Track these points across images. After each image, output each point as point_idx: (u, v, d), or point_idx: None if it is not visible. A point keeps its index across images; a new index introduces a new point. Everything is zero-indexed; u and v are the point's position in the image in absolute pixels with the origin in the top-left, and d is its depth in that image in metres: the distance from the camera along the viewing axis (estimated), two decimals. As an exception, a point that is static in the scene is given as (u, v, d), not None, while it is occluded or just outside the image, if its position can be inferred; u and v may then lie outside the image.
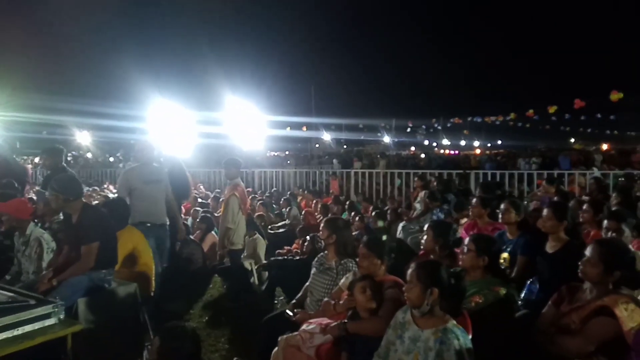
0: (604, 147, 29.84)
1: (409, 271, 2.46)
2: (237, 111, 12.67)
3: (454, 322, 2.33)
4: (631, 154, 19.67)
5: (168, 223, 5.04)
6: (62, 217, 3.91)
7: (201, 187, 11.34)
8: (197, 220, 6.87)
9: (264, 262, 5.92)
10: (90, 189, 10.44)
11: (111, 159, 24.46)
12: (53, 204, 3.52)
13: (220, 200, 9.22)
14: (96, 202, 7.84)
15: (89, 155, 25.36)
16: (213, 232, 6.47)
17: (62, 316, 2.69)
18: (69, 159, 22.15)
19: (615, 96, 15.85)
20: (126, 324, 3.53)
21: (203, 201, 8.81)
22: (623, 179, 8.36)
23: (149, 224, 4.72)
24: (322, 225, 3.78)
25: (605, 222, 3.81)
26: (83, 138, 23.61)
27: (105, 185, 12.33)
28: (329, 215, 7.36)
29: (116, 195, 5.71)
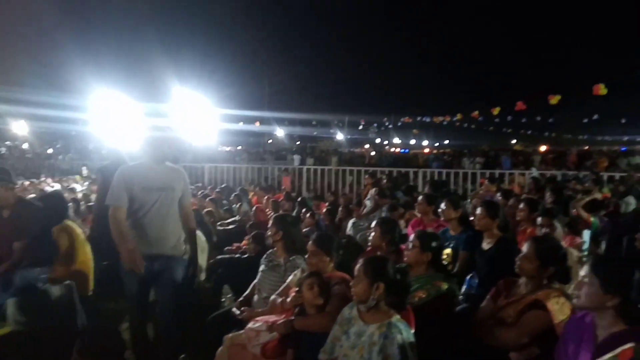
0: (542, 148, 31.58)
1: (357, 267, 2.49)
2: (187, 103, 12.33)
3: (398, 316, 2.38)
4: (567, 155, 20.93)
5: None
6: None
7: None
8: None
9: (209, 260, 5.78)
10: (27, 181, 9.82)
11: (50, 151, 23.13)
12: None
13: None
14: (32, 195, 7.40)
15: (26, 146, 23.86)
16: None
17: (-13, 318, 2.51)
18: (2, 150, 20.74)
19: (554, 100, 16.83)
20: (61, 325, 3.35)
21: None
22: (559, 179, 8.89)
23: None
24: (270, 222, 3.75)
25: (539, 219, 4.02)
26: (19, 128, 22.17)
27: (43, 178, 11.64)
28: (280, 211, 7.34)
29: (60, 191, 5.07)
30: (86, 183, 10.69)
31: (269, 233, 3.69)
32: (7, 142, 23.50)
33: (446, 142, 50.03)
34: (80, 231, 4.05)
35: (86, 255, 4.00)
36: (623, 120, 35.03)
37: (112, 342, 2.06)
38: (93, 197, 8.12)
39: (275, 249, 3.71)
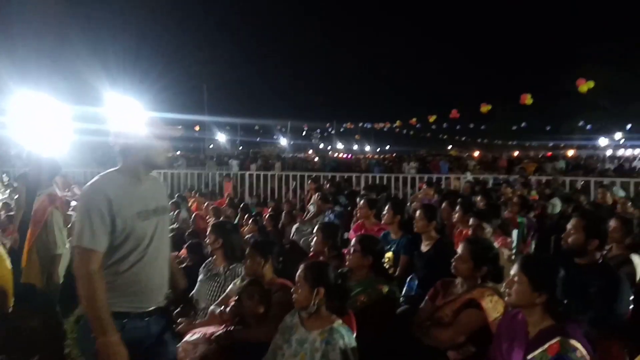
0: (476, 153, 33.28)
1: (298, 273, 2.46)
2: (120, 107, 11.76)
3: (340, 321, 2.37)
4: (498, 160, 22.16)
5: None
6: None
7: (75, 188, 10.29)
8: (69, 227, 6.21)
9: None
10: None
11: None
12: None
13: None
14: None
15: None
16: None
17: None
18: None
19: (485, 108, 17.82)
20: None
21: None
22: (491, 183, 9.37)
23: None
24: (209, 229, 3.64)
25: (470, 220, 4.20)
26: None
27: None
28: (221, 218, 7.15)
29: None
30: (7, 191, 9.87)
31: (208, 241, 3.58)
32: None
33: (387, 147, 51.41)
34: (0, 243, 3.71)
35: (6, 269, 3.66)
36: (548, 128, 37.82)
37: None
38: (14, 206, 7.51)
39: (214, 257, 3.60)
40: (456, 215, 4.56)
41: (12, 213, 6.44)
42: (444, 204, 5.24)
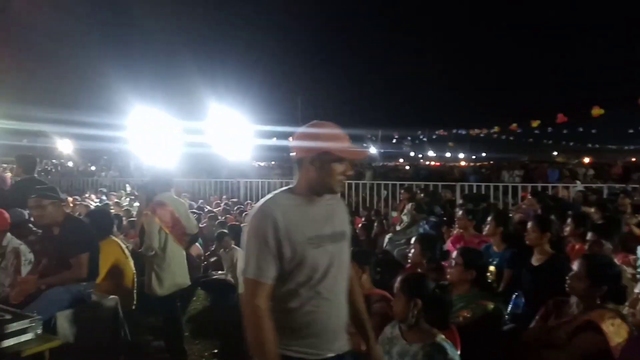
0: (586, 160, 30.44)
1: (395, 285, 2.45)
2: (223, 120, 12.60)
3: (443, 336, 2.31)
4: (611, 167, 20.04)
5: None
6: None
7: (185, 197, 11.21)
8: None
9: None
10: (72, 198, 10.22)
11: (93, 168, 24.07)
12: (47, 210, 3.38)
13: (205, 211, 9.12)
14: (77, 212, 7.68)
15: (70, 164, 24.93)
16: (197, 244, 6.36)
17: (39, 331, 2.59)
18: (50, 167, 21.74)
19: (597, 111, 16.22)
20: (106, 339, 3.43)
21: (194, 211, 8.67)
22: (606, 193, 8.51)
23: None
24: None
25: (589, 234, 3.85)
26: (64, 146, 23.22)
27: (87, 195, 12.09)
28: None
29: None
30: (127, 199, 11.04)
31: None
32: (54, 160, 24.61)
33: (483, 154, 48.94)
34: (123, 247, 4.17)
35: (130, 270, 4.11)
36: (671, 131, 33.42)
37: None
38: (135, 213, 8.36)
39: None
40: (567, 228, 4.22)
41: (133, 219, 7.16)
42: (552, 217, 4.87)
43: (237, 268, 5.90)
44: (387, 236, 6.24)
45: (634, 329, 2.36)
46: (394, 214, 6.85)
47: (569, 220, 4.30)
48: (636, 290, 1.99)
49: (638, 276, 3.57)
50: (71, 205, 9.03)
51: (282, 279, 1.70)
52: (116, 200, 10.69)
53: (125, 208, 9.34)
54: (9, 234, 3.83)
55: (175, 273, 4.02)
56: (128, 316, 3.84)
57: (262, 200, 1.81)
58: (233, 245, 6.21)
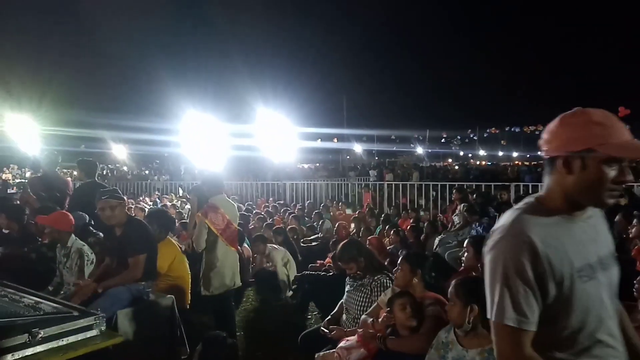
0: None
1: (449, 289, 2.38)
2: (268, 123, 12.80)
3: (501, 343, 2.22)
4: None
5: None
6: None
7: (233, 199, 11.47)
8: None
9: (296, 275, 5.85)
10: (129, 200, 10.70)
11: (146, 172, 25.11)
12: (116, 211, 3.54)
13: (254, 213, 9.27)
14: (132, 214, 8.01)
15: (125, 168, 26.12)
16: (246, 245, 6.48)
17: (103, 328, 2.71)
18: (105, 172, 22.88)
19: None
20: (163, 336, 3.55)
21: (243, 213, 8.85)
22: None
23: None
24: (338, 262, 3.80)
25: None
26: (119, 151, 24.38)
27: (141, 198, 12.61)
28: (362, 228, 7.28)
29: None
30: (179, 202, 11.41)
31: (348, 271, 3.66)
32: (110, 165, 25.90)
33: (538, 152, 46.78)
34: (179, 247, 4.30)
35: (185, 270, 4.23)
36: None
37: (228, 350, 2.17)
38: (186, 215, 8.63)
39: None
40: (634, 229, 3.96)
41: (185, 221, 7.39)
42: (618, 216, 4.58)
43: (279, 268, 5.95)
44: (438, 237, 6.10)
45: None
46: (456, 218, 6.66)
47: (635, 221, 4.04)
48: None
49: None
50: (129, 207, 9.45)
51: (545, 324, 1.27)
52: (169, 203, 11.09)
53: (178, 210, 9.67)
54: (72, 235, 4.04)
55: (225, 274, 4.12)
56: (183, 314, 3.96)
57: (506, 219, 1.34)
58: (273, 246, 6.29)
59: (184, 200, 11.36)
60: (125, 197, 4.03)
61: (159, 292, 3.76)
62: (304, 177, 16.64)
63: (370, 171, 21.49)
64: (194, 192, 5.63)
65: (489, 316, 1.31)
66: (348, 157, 36.26)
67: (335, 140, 32.26)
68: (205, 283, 4.11)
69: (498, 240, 1.30)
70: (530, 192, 9.03)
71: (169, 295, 3.68)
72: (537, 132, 30.31)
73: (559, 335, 1.30)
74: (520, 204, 1.37)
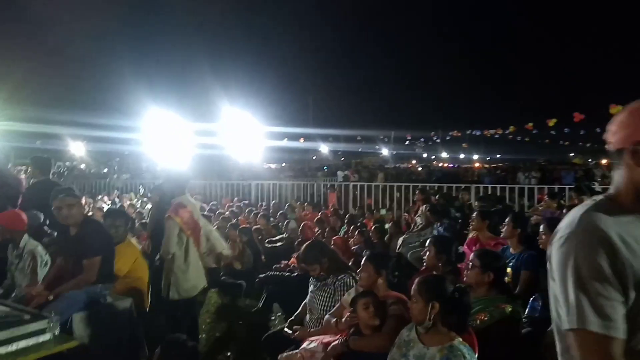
0: (604, 161, 30.01)
1: (413, 287, 2.42)
2: (234, 122, 12.65)
3: (460, 339, 2.28)
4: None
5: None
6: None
7: (197, 199, 11.25)
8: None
9: (260, 276, 5.77)
10: (85, 200, 10.32)
11: (105, 170, 24.34)
12: (73, 210, 3.38)
13: (217, 213, 9.14)
14: (90, 213, 7.74)
15: (83, 166, 25.23)
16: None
17: (57, 332, 2.61)
18: (62, 170, 22.02)
19: (615, 110, 15.95)
20: (121, 340, 3.44)
21: (206, 214, 8.69)
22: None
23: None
24: (302, 263, 3.82)
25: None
26: (77, 148, 23.52)
27: (100, 197, 12.21)
28: (326, 228, 7.31)
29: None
30: (139, 201, 11.12)
31: (311, 273, 3.66)
32: (67, 163, 24.94)
33: (498, 156, 48.40)
34: (138, 249, 4.19)
35: (145, 272, 4.12)
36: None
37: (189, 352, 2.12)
38: (146, 215, 8.42)
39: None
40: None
41: (145, 221, 7.20)
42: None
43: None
44: (401, 238, 6.19)
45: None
46: (419, 219, 6.79)
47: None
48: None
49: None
50: (86, 207, 9.13)
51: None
52: (129, 202, 10.78)
53: (138, 210, 9.41)
54: (26, 235, 3.86)
55: (194, 276, 3.98)
56: (143, 317, 3.86)
57: (574, 215, 1.20)
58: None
59: (145, 199, 11.07)
60: (83, 196, 3.88)
61: (117, 294, 3.64)
62: (270, 177, 16.55)
63: (338, 172, 21.66)
64: (155, 191, 5.46)
65: (565, 326, 1.13)
66: (314, 157, 36.34)
67: (302, 140, 32.25)
68: (175, 287, 3.89)
69: (568, 237, 1.15)
70: (489, 193, 9.34)
71: (127, 298, 3.57)
72: (496, 136, 31.38)
73: (634, 349, 1.10)
74: (589, 202, 1.24)
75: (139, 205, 10.26)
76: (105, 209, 8.04)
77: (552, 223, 3.61)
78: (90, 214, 7.32)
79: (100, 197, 12.23)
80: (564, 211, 5.74)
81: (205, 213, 8.72)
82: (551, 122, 22.49)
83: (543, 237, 3.56)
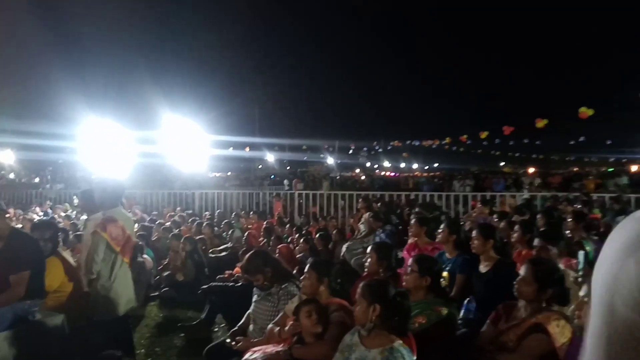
0: (531, 170, 32.05)
1: (357, 290, 2.49)
2: (177, 130, 12.31)
3: (400, 341, 2.35)
4: (548, 177, 21.26)
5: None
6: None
7: (137, 209, 10.84)
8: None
9: (203, 287, 5.65)
10: (15, 211, 9.64)
11: (37, 180, 22.87)
12: None
13: (157, 223, 8.84)
14: (20, 225, 7.26)
15: (12, 175, 23.56)
16: (149, 257, 6.18)
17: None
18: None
19: (541, 123, 17.17)
20: (52, 357, 3.24)
21: (146, 224, 8.38)
22: (550, 200, 8.97)
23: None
24: (245, 274, 3.80)
25: (536, 241, 4.04)
26: (6, 157, 21.93)
27: (32, 208, 11.45)
28: (272, 237, 7.28)
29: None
30: (74, 212, 10.55)
31: (255, 283, 3.64)
32: (-7, 171, 23.18)
33: (436, 165, 50.48)
34: (72, 261, 3.97)
35: (79, 285, 3.90)
36: (609, 142, 35.85)
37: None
38: (82, 226, 7.99)
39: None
40: (515, 235, 4.42)
41: (79, 232, 6.84)
42: (502, 224, 5.08)
43: None
44: (345, 245, 6.29)
45: (577, 330, 2.49)
46: (362, 226, 6.92)
47: (516, 227, 4.50)
48: (581, 294, 2.11)
49: (580, 279, 3.78)
50: (14, 218, 8.54)
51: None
52: (63, 213, 10.19)
53: (73, 221, 8.93)
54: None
55: (122, 294, 3.69)
56: (76, 334, 3.65)
57: None
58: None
59: (80, 210, 10.52)
60: (11, 208, 3.63)
61: (49, 310, 3.43)
62: (214, 186, 16.22)
63: (285, 180, 21.63)
64: (82, 196, 5.04)
65: None
66: (260, 166, 36.04)
67: (248, 149, 31.92)
68: (102, 305, 3.60)
69: None
70: (427, 200, 9.72)
71: (59, 314, 3.38)
72: (433, 146, 32.89)
73: None
74: None
75: (73, 216, 9.73)
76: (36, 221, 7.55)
77: (484, 228, 3.83)
78: (19, 226, 6.85)
79: (32, 208, 11.46)
80: (495, 217, 6.08)
81: (146, 224, 8.43)
82: (483, 134, 23.95)
83: (475, 242, 3.75)
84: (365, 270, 3.87)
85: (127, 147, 9.99)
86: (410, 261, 3.21)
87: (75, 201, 12.41)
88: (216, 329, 4.98)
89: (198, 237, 7.37)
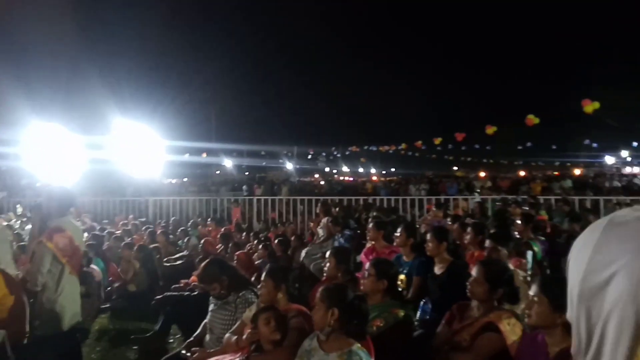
0: (482, 174, 33.31)
1: (317, 294, 2.49)
2: (130, 135, 11.91)
3: (359, 345, 2.37)
4: (498, 180, 22.21)
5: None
6: None
7: (86, 218, 10.38)
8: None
9: (158, 297, 5.47)
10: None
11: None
12: None
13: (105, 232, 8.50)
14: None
15: (-51, 183, 22.02)
16: (97, 268, 5.93)
17: None
18: None
19: (491, 130, 17.93)
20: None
21: (97, 233, 8.01)
22: (500, 203, 9.34)
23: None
24: (201, 283, 3.74)
25: (487, 242, 4.18)
26: (-60, 163, 20.48)
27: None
28: (230, 244, 7.17)
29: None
30: (18, 222, 9.97)
31: (210, 292, 3.57)
32: None
33: (392, 170, 51.55)
34: (14, 274, 3.74)
35: (20, 300, 3.67)
36: (554, 147, 37.94)
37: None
38: (26, 237, 7.56)
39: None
40: (468, 237, 4.55)
41: (24, 243, 6.48)
42: (455, 226, 5.22)
43: None
44: (304, 250, 6.27)
45: (526, 328, 2.59)
46: (321, 231, 6.93)
47: (468, 229, 4.64)
48: (531, 293, 2.20)
49: (528, 278, 3.95)
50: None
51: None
52: (5, 222, 9.60)
53: (16, 231, 8.43)
54: None
55: (68, 308, 3.52)
56: (19, 351, 3.43)
57: None
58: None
59: (24, 219, 9.96)
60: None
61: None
62: (170, 193, 15.79)
63: (243, 186, 21.39)
64: (35, 210, 4.88)
65: None
66: (218, 171, 35.50)
67: (205, 154, 31.36)
68: (45, 322, 3.43)
69: None
70: (385, 205, 9.89)
71: (-1, 330, 3.16)
72: (390, 152, 33.70)
73: None
74: None
75: (17, 226, 9.20)
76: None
77: (438, 231, 3.93)
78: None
79: (-34, 218, 10.72)
80: (448, 220, 6.26)
81: (97, 232, 8.08)
82: (437, 140, 24.81)
83: (430, 244, 3.84)
84: (324, 275, 3.88)
85: (76, 153, 9.55)
86: (367, 265, 3.25)
87: (19, 210, 11.76)
88: (171, 340, 4.83)
89: (152, 246, 7.14)
